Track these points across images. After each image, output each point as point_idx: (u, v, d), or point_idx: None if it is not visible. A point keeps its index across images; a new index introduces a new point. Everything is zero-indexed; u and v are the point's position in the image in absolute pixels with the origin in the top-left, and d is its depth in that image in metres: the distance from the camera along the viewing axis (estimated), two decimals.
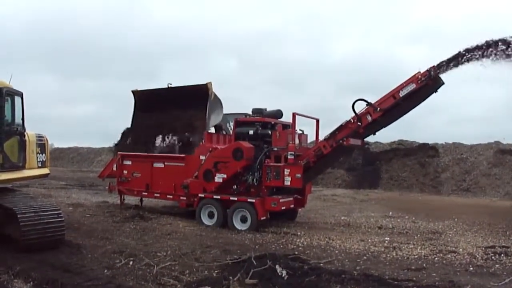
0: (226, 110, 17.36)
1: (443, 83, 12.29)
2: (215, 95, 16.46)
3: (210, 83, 16.21)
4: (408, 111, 12.93)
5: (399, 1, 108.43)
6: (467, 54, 11.82)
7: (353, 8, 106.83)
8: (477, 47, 11.77)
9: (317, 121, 15.16)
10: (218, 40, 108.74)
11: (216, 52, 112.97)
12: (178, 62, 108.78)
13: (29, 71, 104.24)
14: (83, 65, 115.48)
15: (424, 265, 9.65)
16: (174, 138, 16.91)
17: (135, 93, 18.36)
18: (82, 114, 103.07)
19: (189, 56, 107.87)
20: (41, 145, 11.63)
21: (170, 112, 17.12)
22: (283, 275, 8.02)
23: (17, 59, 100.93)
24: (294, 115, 13.91)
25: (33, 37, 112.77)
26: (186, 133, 16.51)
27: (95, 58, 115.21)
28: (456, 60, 11.90)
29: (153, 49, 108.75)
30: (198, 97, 16.10)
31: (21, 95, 10.38)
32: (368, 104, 12.71)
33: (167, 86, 17.28)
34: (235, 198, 13.96)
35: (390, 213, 18.31)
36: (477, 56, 11.74)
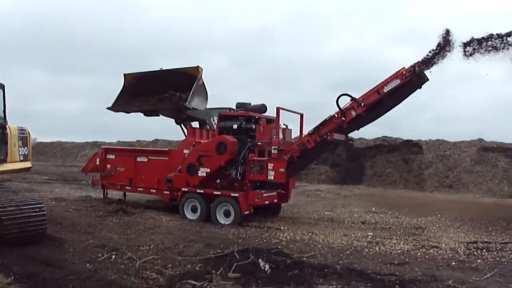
0: (215, 106, 17.27)
1: (427, 79, 12.34)
2: (203, 83, 16.27)
3: (201, 68, 16.02)
4: (393, 107, 12.97)
5: (391, 0, 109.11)
6: (452, 49, 11.89)
7: (344, 7, 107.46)
8: (462, 43, 11.85)
9: (301, 115, 15.11)
10: (210, 38, 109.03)
11: (208, 50, 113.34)
12: (170, 61, 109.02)
13: (20, 66, 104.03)
14: (75, 62, 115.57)
15: (407, 259, 9.69)
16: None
17: (126, 76, 17.85)
18: (71, 109, 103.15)
19: (181, 55, 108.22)
20: (23, 138, 11.50)
21: (158, 93, 16.67)
22: (266, 269, 8.02)
23: (8, 54, 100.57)
24: (278, 109, 13.89)
25: (26, 32, 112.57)
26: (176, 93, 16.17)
27: (87, 55, 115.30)
28: (441, 55, 11.96)
29: (145, 47, 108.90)
30: (188, 80, 15.82)
31: (2, 87, 10.26)
32: (353, 99, 12.70)
33: (159, 69, 16.96)
34: (219, 193, 13.95)
35: (374, 208, 18.34)
36: (463, 51, 11.82)
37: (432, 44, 12.03)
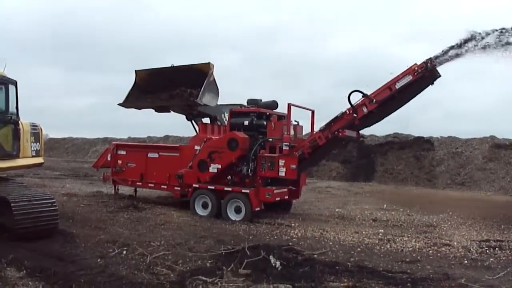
0: (225, 102, 17.24)
1: (439, 76, 12.26)
2: (214, 79, 16.25)
3: (212, 64, 15.99)
4: (404, 104, 12.91)
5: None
6: (464, 45, 11.78)
7: (353, 6, 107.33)
8: (474, 38, 11.73)
9: (313, 112, 15.08)
10: (221, 36, 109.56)
11: (219, 48, 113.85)
12: (181, 57, 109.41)
13: (32, 63, 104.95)
14: (86, 59, 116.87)
15: (419, 257, 9.64)
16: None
17: (137, 72, 17.88)
18: (82, 106, 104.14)
19: (191, 51, 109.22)
20: (35, 134, 11.54)
21: (170, 90, 16.68)
22: (276, 266, 8.00)
23: (21, 51, 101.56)
24: (289, 106, 13.81)
25: (38, 30, 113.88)
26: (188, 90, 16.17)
27: (99, 52, 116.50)
28: (453, 51, 11.86)
29: (156, 45, 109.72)
30: (199, 76, 15.78)
31: (15, 83, 10.27)
32: (364, 95, 12.66)
33: (170, 66, 16.89)
34: (230, 189, 13.95)
35: (385, 205, 18.29)
36: (474, 47, 11.70)
37: (441, 42, 11.97)
